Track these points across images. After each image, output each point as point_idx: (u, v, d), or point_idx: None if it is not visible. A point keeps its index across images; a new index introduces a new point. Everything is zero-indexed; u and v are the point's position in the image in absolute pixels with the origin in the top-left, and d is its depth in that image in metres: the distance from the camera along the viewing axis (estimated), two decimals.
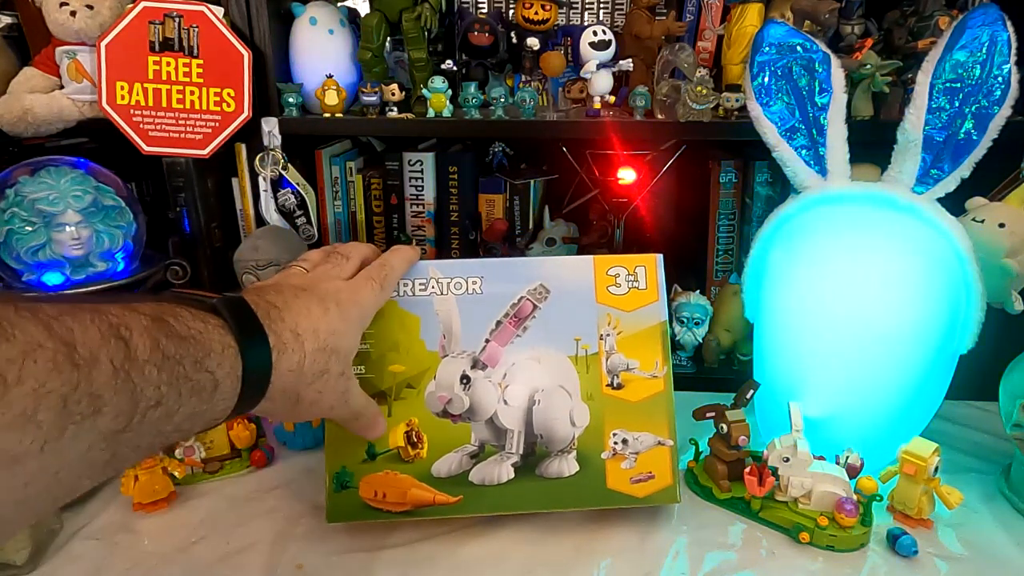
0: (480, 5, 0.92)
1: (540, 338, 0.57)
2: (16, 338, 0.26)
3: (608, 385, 0.58)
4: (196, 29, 0.77)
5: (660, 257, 0.59)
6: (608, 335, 0.58)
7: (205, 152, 0.80)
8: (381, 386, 0.57)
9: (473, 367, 0.57)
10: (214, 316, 0.38)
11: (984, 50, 0.61)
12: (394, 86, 0.81)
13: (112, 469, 0.31)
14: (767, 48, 0.66)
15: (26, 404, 0.26)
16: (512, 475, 0.57)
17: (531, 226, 0.96)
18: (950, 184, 0.63)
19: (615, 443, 0.57)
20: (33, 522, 0.32)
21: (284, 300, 0.43)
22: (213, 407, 0.36)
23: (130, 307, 0.33)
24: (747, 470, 0.60)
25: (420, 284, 0.57)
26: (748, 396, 0.65)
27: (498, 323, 0.57)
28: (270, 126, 0.80)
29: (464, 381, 0.56)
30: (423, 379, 0.57)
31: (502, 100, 0.80)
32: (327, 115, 0.82)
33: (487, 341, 0.57)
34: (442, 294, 0.57)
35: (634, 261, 0.59)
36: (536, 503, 0.57)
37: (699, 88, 0.75)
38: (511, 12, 0.86)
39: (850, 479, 0.59)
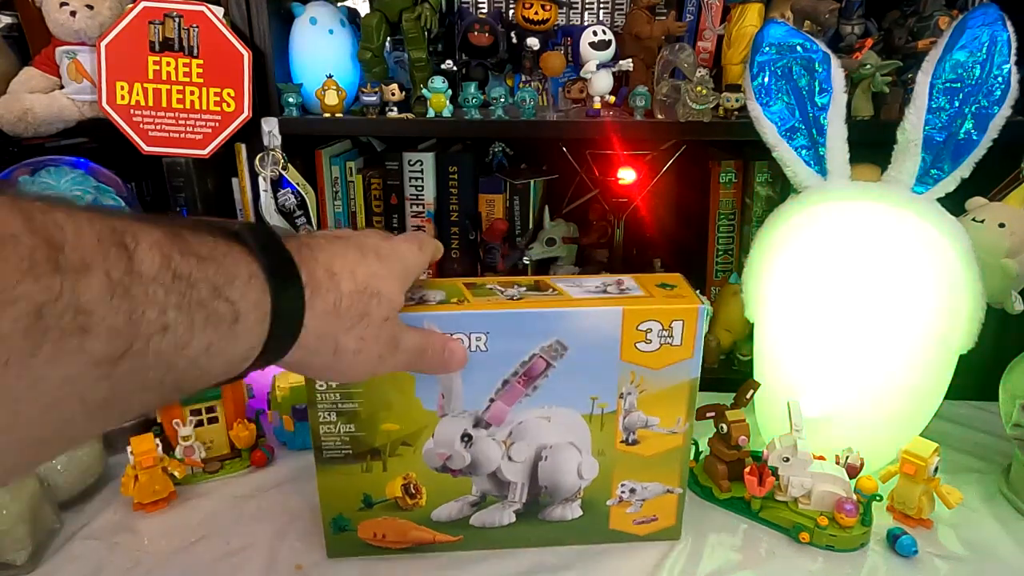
0: (480, 5, 0.92)
1: (552, 396, 0.51)
2: None
3: (623, 441, 0.54)
4: (196, 29, 0.77)
5: (703, 309, 0.51)
6: (630, 394, 0.52)
7: (205, 152, 0.80)
8: (374, 443, 0.52)
9: (475, 426, 0.52)
10: (237, 242, 0.33)
11: (984, 50, 0.61)
12: (394, 86, 0.81)
13: (116, 412, 0.27)
14: (767, 48, 0.66)
15: None
16: (514, 519, 0.55)
17: (531, 226, 0.96)
18: (950, 184, 0.63)
19: (622, 492, 0.55)
20: (16, 477, 0.27)
21: (317, 242, 0.39)
22: (235, 343, 0.31)
23: (143, 218, 0.28)
24: (747, 470, 0.60)
25: None
26: (748, 396, 0.65)
27: (505, 382, 0.50)
28: (270, 126, 0.80)
29: (465, 439, 0.52)
30: (420, 437, 0.52)
31: (502, 100, 0.80)
32: (327, 115, 0.82)
33: (491, 400, 0.51)
34: None
35: (671, 314, 0.50)
36: (537, 541, 0.57)
37: (699, 88, 0.75)
38: (511, 12, 0.86)
39: (850, 479, 0.59)
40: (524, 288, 0.52)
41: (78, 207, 0.25)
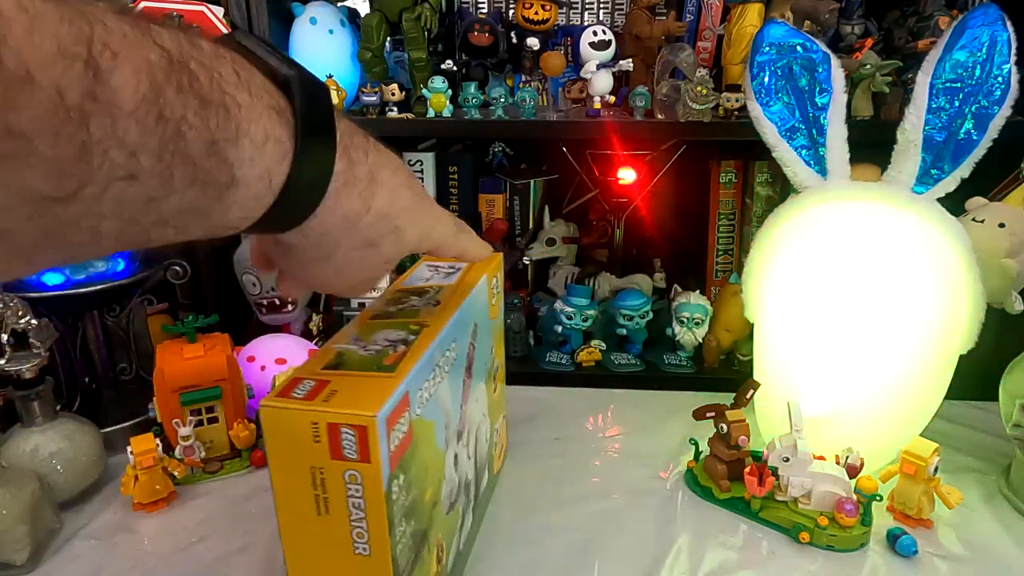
0: (480, 5, 0.92)
1: (475, 376, 0.51)
2: None
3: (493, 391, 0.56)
4: (196, 29, 0.77)
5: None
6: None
7: None
8: (424, 524, 0.42)
9: (457, 441, 0.48)
10: (278, 92, 0.27)
11: (984, 50, 0.61)
12: (394, 86, 0.81)
13: (50, 256, 0.22)
14: (767, 48, 0.66)
15: None
16: (471, 518, 0.53)
17: (531, 226, 0.96)
18: (950, 184, 0.63)
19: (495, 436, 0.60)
20: None
21: (371, 140, 0.33)
22: (224, 212, 0.26)
23: (146, 26, 0.22)
24: (747, 470, 0.60)
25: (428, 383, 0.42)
26: (748, 396, 0.65)
27: (463, 383, 0.48)
28: None
29: (454, 461, 0.47)
30: (440, 487, 0.45)
31: (502, 100, 0.80)
32: None
33: (461, 407, 0.48)
34: (441, 380, 0.44)
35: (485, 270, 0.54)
36: (476, 527, 0.57)
37: (699, 88, 0.75)
38: (511, 12, 0.86)
39: (850, 479, 0.59)
40: (419, 296, 0.50)
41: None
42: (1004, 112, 0.61)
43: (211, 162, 0.24)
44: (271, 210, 0.28)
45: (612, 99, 0.80)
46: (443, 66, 0.83)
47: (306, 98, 0.28)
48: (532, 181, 0.95)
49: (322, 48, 0.83)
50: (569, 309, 0.85)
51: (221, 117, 0.24)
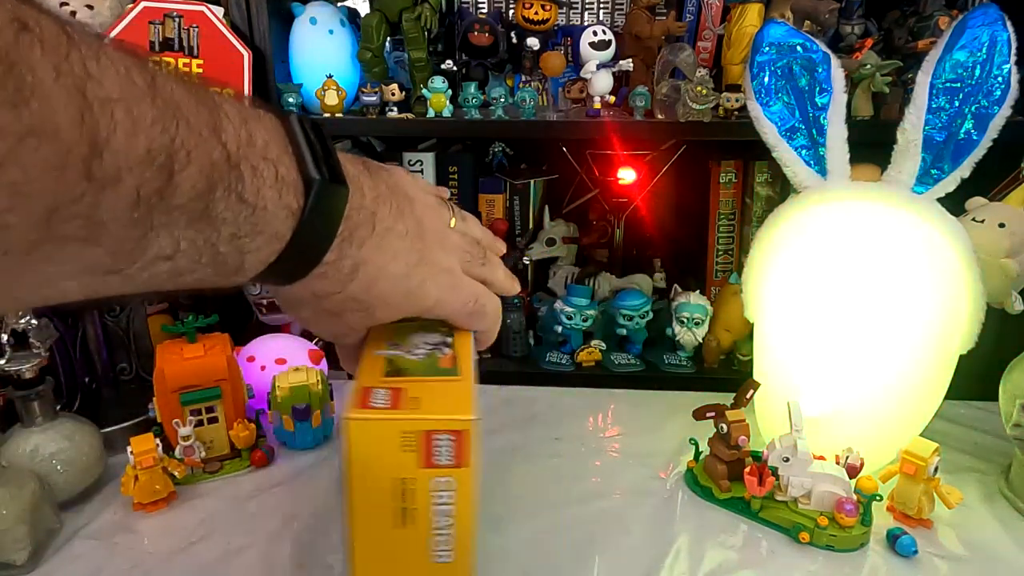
0: (480, 5, 0.92)
1: None
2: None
3: None
4: (196, 29, 0.77)
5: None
6: None
7: None
8: None
9: None
10: (301, 192, 0.29)
11: (984, 50, 0.61)
12: (394, 86, 0.81)
13: (77, 296, 0.24)
14: (767, 48, 0.66)
15: None
16: None
17: (531, 226, 0.96)
18: (950, 184, 0.63)
19: None
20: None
21: (394, 210, 0.34)
22: (231, 280, 0.29)
23: (218, 116, 0.24)
24: (747, 470, 0.60)
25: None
26: (748, 396, 0.65)
27: None
28: None
29: None
30: None
31: (502, 100, 0.80)
32: (327, 115, 0.82)
33: None
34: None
35: None
36: None
37: (699, 88, 0.75)
38: (511, 12, 0.86)
39: (850, 479, 0.59)
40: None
41: (146, 93, 0.21)
42: (1004, 112, 0.61)
43: (230, 249, 0.26)
44: (254, 277, 0.30)
45: (612, 99, 0.80)
46: (443, 66, 0.83)
47: (318, 206, 0.29)
48: (532, 181, 0.95)
49: (322, 48, 0.83)
50: (569, 309, 0.85)
51: (249, 215, 0.26)
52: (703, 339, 0.86)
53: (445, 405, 0.35)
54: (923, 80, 0.62)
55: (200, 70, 0.78)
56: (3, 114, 0.17)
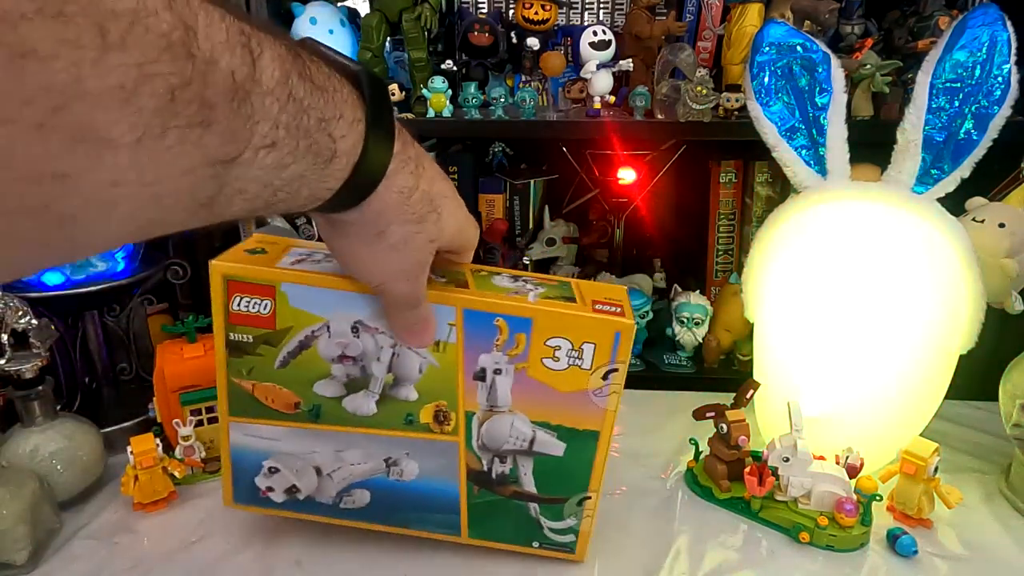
0: (480, 5, 0.92)
1: None
2: None
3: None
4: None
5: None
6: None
7: None
8: None
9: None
10: (352, 85, 0.33)
11: (984, 50, 0.61)
12: (394, 86, 0.81)
13: (214, 212, 0.27)
14: (767, 48, 0.66)
15: (126, 77, 0.20)
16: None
17: (531, 226, 0.96)
18: (950, 184, 0.63)
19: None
20: (109, 246, 0.24)
21: (419, 149, 0.39)
22: (323, 178, 0.32)
23: (267, 27, 0.28)
24: (747, 470, 0.60)
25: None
26: (748, 396, 0.65)
27: None
28: None
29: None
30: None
31: (502, 100, 0.80)
32: None
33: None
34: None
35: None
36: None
37: (699, 88, 0.75)
38: (511, 12, 0.86)
39: (850, 479, 0.59)
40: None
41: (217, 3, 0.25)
42: (1004, 112, 0.61)
43: (321, 136, 0.30)
44: (344, 185, 0.33)
45: (612, 99, 0.80)
46: (443, 66, 0.83)
47: (372, 88, 0.34)
48: (532, 181, 0.95)
49: None
50: None
51: (327, 99, 0.30)
52: (703, 339, 0.86)
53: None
54: (923, 80, 0.62)
55: None
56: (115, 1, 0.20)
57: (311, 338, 0.50)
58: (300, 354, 0.50)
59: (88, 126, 0.20)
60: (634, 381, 0.84)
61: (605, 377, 0.49)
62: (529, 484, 0.54)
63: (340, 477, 0.54)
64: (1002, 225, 0.66)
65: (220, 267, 0.48)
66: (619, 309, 0.49)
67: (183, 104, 0.22)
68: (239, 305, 0.49)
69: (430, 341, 0.48)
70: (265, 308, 0.49)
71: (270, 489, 0.55)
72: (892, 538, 0.57)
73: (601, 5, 0.92)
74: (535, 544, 0.56)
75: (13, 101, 0.18)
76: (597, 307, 0.49)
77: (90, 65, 0.19)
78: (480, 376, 0.50)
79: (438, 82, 0.80)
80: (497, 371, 0.50)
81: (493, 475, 0.54)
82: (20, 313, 0.62)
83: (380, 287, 0.43)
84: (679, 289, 0.88)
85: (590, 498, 0.54)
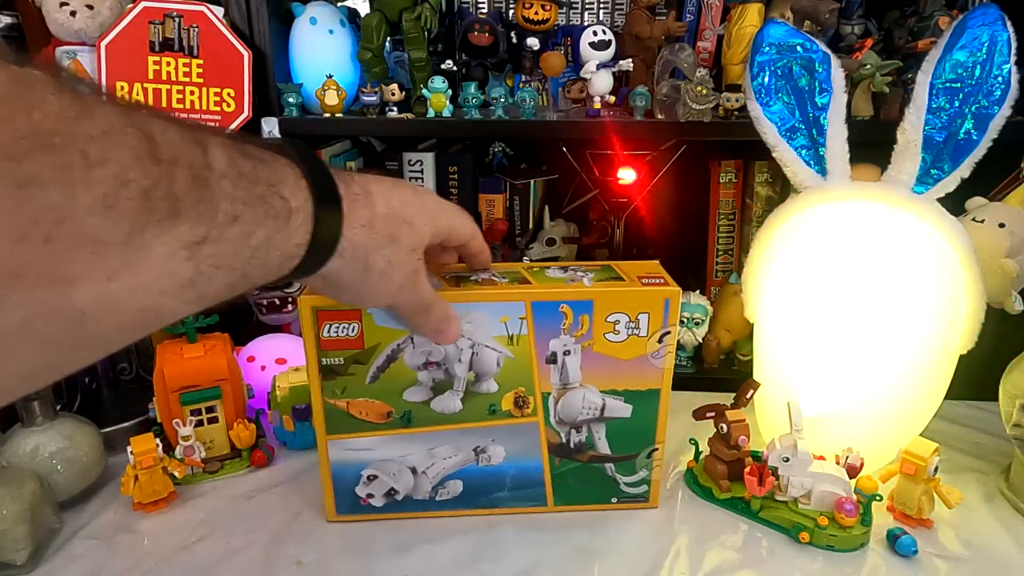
0: (480, 5, 0.92)
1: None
2: (97, 115, 0.24)
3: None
4: (196, 29, 0.77)
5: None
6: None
7: None
8: None
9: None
10: (282, 153, 0.36)
11: (984, 50, 0.61)
12: (394, 86, 0.81)
13: (198, 291, 0.30)
14: (767, 48, 0.66)
15: (108, 187, 0.24)
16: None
17: (531, 226, 0.96)
18: (950, 184, 0.63)
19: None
20: (119, 341, 0.29)
21: (351, 173, 0.42)
22: (288, 237, 0.35)
23: (203, 125, 0.32)
24: (747, 470, 0.60)
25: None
26: (748, 396, 0.65)
27: None
28: (270, 126, 0.80)
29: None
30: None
31: (502, 100, 0.80)
32: (327, 115, 0.82)
33: None
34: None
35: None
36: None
37: (699, 88, 0.75)
38: (511, 12, 0.86)
39: (850, 479, 0.59)
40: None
41: (154, 109, 0.29)
42: (1004, 112, 0.61)
43: (275, 199, 0.33)
44: (312, 239, 0.36)
45: (612, 99, 0.80)
46: (443, 66, 0.83)
47: (298, 149, 0.37)
48: (532, 181, 0.95)
49: (322, 48, 0.83)
50: None
51: (270, 168, 0.33)
52: (703, 339, 0.86)
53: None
54: (923, 80, 0.62)
55: (200, 70, 0.78)
56: (86, 124, 0.24)
57: (397, 351, 0.55)
58: (388, 367, 0.55)
59: (85, 233, 0.24)
60: None
61: (660, 340, 0.56)
62: (604, 447, 0.59)
63: (434, 473, 0.59)
64: (1002, 225, 0.66)
65: (309, 300, 0.52)
66: (662, 280, 0.56)
67: (156, 201, 0.26)
68: (329, 331, 0.54)
69: (457, 335, 0.51)
70: (353, 331, 0.54)
71: (370, 496, 0.60)
72: (892, 538, 0.57)
73: (601, 5, 0.92)
74: (613, 500, 0.62)
75: (24, 221, 0.22)
76: (644, 281, 0.56)
77: (80, 183, 0.23)
78: (552, 359, 0.56)
79: (438, 82, 0.80)
80: (566, 352, 0.56)
81: (572, 445, 0.59)
82: None
83: (391, 307, 0.47)
84: (679, 288, 0.88)
85: (657, 449, 0.60)
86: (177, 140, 0.28)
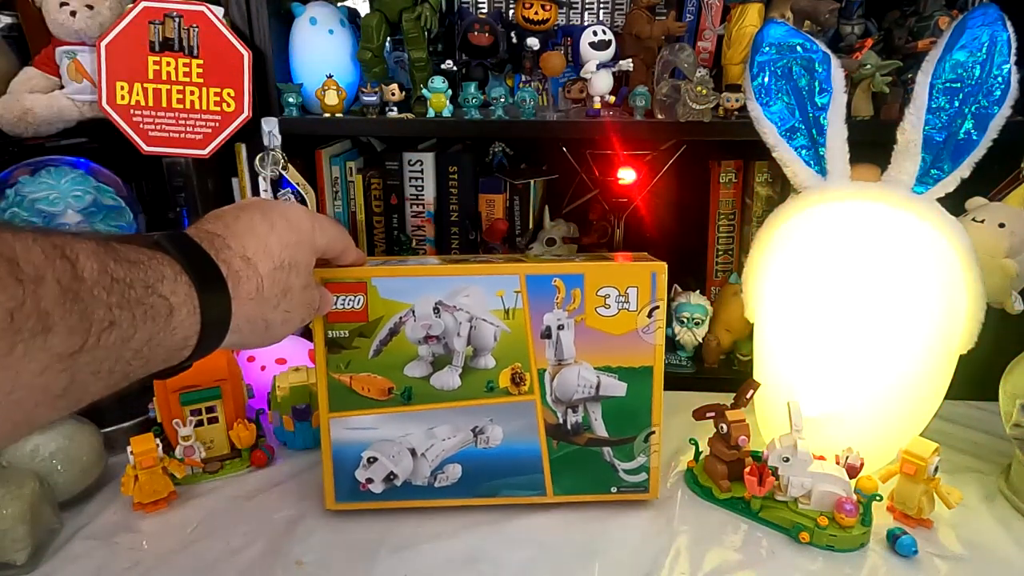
0: (480, 5, 0.92)
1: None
2: None
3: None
4: (196, 29, 0.77)
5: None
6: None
7: (205, 152, 0.80)
8: None
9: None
10: (160, 249, 0.36)
11: (984, 50, 0.61)
12: (394, 86, 0.81)
13: (73, 398, 0.31)
14: (767, 48, 0.66)
15: None
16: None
17: (531, 226, 0.96)
18: (950, 184, 0.63)
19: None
20: None
21: (225, 225, 0.42)
22: (172, 335, 0.35)
23: (75, 233, 0.33)
24: (747, 470, 0.60)
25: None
26: (748, 396, 0.65)
27: None
28: (270, 126, 0.80)
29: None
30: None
31: (502, 100, 0.80)
32: (327, 115, 0.82)
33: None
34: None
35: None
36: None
37: (699, 88, 0.75)
38: (511, 12, 0.86)
39: (850, 479, 0.59)
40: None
41: (19, 227, 0.30)
42: (1004, 112, 0.61)
43: (153, 299, 0.34)
44: (203, 330, 0.37)
45: (612, 99, 0.80)
46: (443, 66, 0.83)
47: (176, 244, 0.37)
48: (532, 181, 0.95)
49: (322, 48, 0.83)
50: None
51: (145, 269, 0.34)
52: (703, 339, 0.86)
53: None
54: (923, 80, 0.62)
55: (200, 70, 0.78)
56: None
57: (399, 324, 0.57)
58: (391, 341, 0.57)
59: None
60: None
61: (650, 315, 0.57)
62: (601, 429, 0.60)
63: (433, 455, 0.60)
64: (1002, 225, 0.66)
65: (317, 272, 0.52)
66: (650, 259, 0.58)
67: (22, 320, 0.27)
68: (336, 304, 0.55)
69: (330, 303, 0.54)
70: (358, 303, 0.56)
71: (369, 481, 0.60)
72: (892, 538, 0.57)
73: (601, 5, 0.92)
74: (613, 490, 0.62)
75: None
76: (632, 259, 0.58)
77: None
78: (547, 334, 0.57)
79: (438, 82, 0.80)
80: (560, 327, 0.57)
81: (568, 426, 0.60)
82: None
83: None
84: (679, 289, 0.88)
85: (654, 432, 0.60)
86: (41, 257, 0.28)
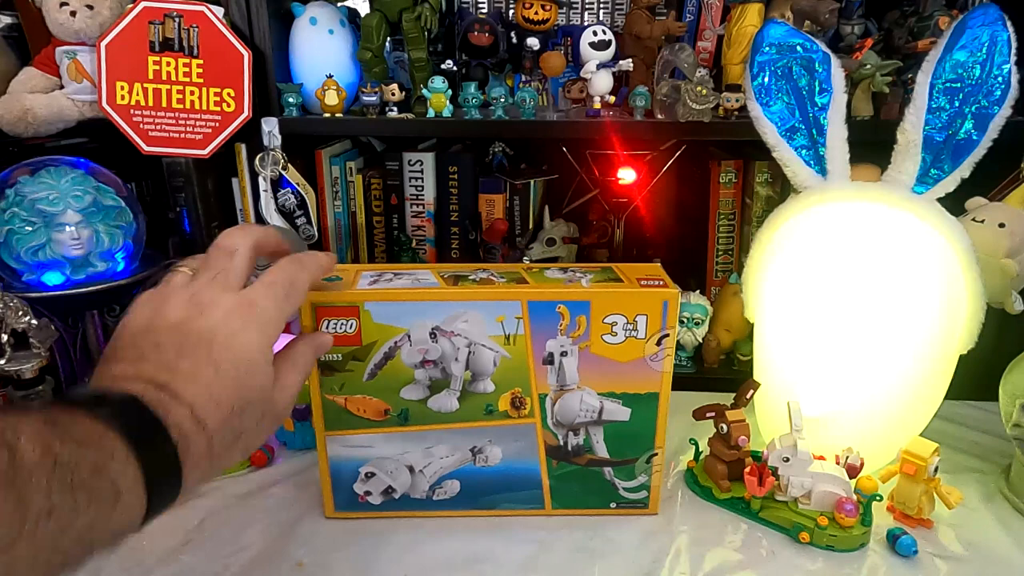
0: (480, 5, 0.92)
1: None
2: None
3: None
4: (196, 29, 0.77)
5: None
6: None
7: (205, 152, 0.80)
8: None
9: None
10: (109, 426, 0.33)
11: (984, 50, 0.61)
12: (394, 86, 0.81)
13: None
14: (767, 48, 0.66)
15: None
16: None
17: (531, 226, 0.96)
18: (950, 184, 0.63)
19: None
20: None
21: (168, 368, 0.37)
22: (118, 517, 0.32)
23: (22, 411, 0.31)
24: (747, 470, 0.60)
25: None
26: (748, 396, 0.65)
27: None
28: (270, 126, 0.80)
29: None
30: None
31: (502, 100, 0.80)
32: (327, 115, 0.82)
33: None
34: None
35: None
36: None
37: (699, 88, 0.75)
38: (511, 12, 0.86)
39: (850, 479, 0.59)
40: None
41: None
42: (1004, 112, 0.61)
43: (100, 482, 0.31)
44: (151, 504, 0.34)
45: (612, 99, 0.80)
46: (443, 66, 0.83)
47: (125, 418, 0.34)
48: (532, 181, 0.95)
49: (322, 48, 0.83)
50: None
51: (94, 449, 0.32)
52: (703, 339, 0.86)
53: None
54: (923, 80, 0.62)
55: (200, 70, 0.78)
56: None
57: (394, 348, 0.55)
58: (386, 364, 0.55)
59: None
60: None
61: (659, 343, 0.55)
62: (602, 451, 0.59)
63: (431, 472, 0.59)
64: (1002, 225, 0.66)
65: (309, 296, 0.51)
66: (662, 282, 0.56)
67: None
68: (328, 327, 0.53)
69: (327, 345, 0.52)
70: (351, 327, 0.54)
71: (368, 493, 0.60)
72: (892, 538, 0.57)
73: (601, 5, 0.92)
74: (612, 505, 0.61)
75: None
76: (642, 283, 0.55)
77: None
78: (549, 360, 0.56)
79: (438, 82, 0.80)
80: (563, 353, 0.55)
81: (569, 448, 0.59)
82: (20, 313, 0.62)
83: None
84: (679, 289, 0.88)
85: (656, 454, 0.59)
86: None
